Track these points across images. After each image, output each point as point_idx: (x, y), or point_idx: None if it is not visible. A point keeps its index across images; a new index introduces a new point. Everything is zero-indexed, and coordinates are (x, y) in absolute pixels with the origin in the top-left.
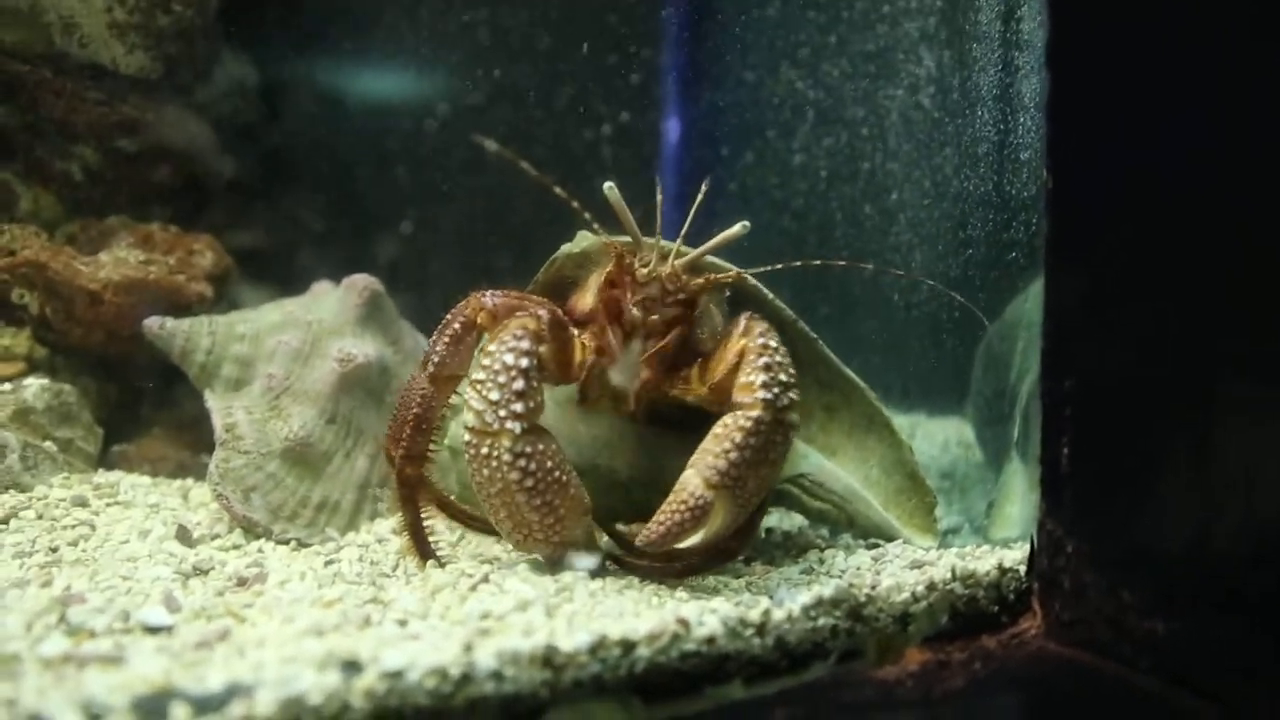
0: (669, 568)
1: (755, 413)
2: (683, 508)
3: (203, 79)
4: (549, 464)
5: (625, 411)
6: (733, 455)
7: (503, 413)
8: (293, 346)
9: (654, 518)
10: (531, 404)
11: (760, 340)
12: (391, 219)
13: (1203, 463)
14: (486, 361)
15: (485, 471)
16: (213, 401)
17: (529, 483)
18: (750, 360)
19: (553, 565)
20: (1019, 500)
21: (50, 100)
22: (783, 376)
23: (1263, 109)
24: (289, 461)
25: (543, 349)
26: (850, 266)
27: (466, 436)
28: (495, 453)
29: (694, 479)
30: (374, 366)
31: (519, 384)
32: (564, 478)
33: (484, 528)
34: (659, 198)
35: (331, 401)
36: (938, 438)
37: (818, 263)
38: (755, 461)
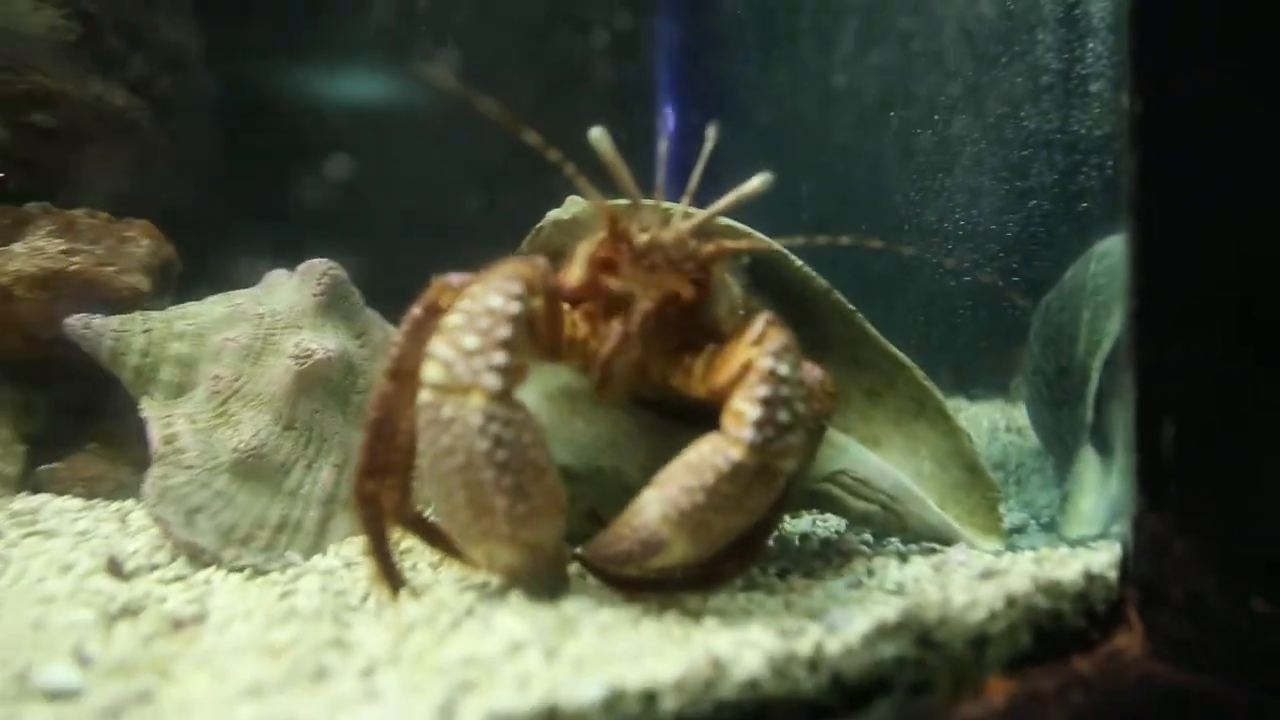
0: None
1: (736, 454)
2: (632, 536)
3: (136, 47)
4: (526, 438)
5: (607, 396)
6: (699, 498)
7: (478, 363)
8: (241, 343)
9: (602, 535)
10: (515, 361)
11: (769, 361)
12: (366, 204)
13: None
14: (466, 304)
15: (445, 440)
16: (150, 410)
17: (500, 455)
18: (751, 384)
19: (513, 579)
20: (1093, 493)
21: None
22: (783, 415)
23: None
24: (240, 476)
25: (536, 303)
26: (888, 249)
27: (425, 396)
28: (461, 414)
29: (653, 507)
30: (336, 363)
31: (503, 331)
32: (542, 462)
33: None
34: (662, 147)
35: (288, 405)
36: (982, 424)
37: (846, 240)
38: (726, 509)
